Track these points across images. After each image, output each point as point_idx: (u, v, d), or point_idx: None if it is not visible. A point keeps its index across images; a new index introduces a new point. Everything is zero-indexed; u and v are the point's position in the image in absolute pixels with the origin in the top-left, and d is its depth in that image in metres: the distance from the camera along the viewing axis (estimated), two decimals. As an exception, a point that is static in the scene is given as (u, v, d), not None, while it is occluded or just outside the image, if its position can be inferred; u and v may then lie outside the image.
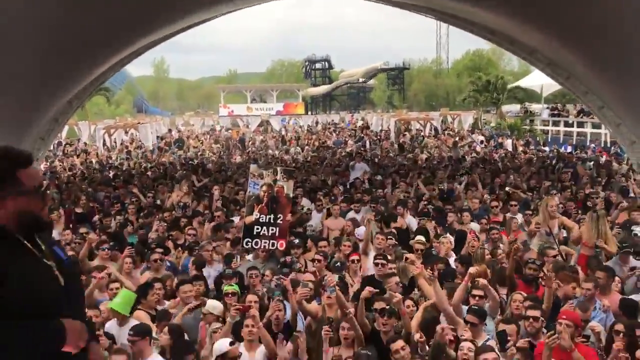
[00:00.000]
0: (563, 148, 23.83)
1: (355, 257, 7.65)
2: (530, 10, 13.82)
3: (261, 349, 5.55)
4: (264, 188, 8.23)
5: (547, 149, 24.16)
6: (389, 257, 7.39)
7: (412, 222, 10.06)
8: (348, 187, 13.58)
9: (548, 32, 14.99)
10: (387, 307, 5.66)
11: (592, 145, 24.32)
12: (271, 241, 8.03)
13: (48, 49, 11.87)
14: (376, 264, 7.11)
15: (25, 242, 2.37)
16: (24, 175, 2.32)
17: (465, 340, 5.06)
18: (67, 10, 11.14)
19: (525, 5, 13.63)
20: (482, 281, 6.00)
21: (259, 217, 8.07)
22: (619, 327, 5.29)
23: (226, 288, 6.41)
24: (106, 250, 8.07)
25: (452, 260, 7.75)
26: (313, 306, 6.17)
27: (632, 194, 11.75)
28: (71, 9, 11.12)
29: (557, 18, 13.40)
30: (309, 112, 59.10)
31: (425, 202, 11.09)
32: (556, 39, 15.11)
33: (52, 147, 23.52)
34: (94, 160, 22.52)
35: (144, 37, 16.28)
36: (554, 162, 17.43)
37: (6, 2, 10.11)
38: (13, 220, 2.30)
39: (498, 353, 4.71)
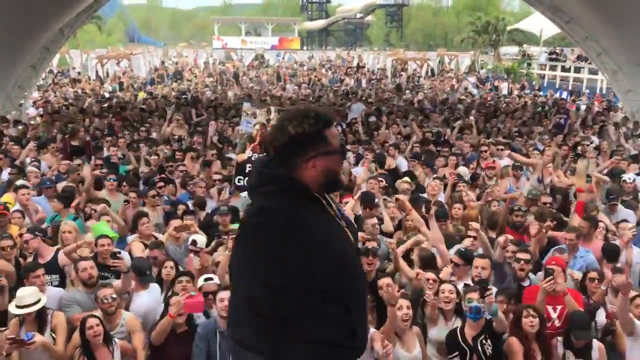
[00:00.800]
0: (558, 93, 23.77)
1: (347, 199, 7.62)
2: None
3: None
4: (257, 127, 8.16)
5: (542, 93, 24.10)
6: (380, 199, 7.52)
7: (402, 163, 10.12)
8: (345, 127, 13.54)
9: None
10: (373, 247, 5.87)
11: (587, 91, 24.26)
12: None
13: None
14: (364, 208, 7.20)
15: (324, 202, 2.37)
16: (329, 134, 2.32)
17: (447, 282, 5.21)
18: None
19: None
20: (474, 225, 6.12)
21: (252, 156, 7.99)
22: (592, 274, 5.53)
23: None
24: (112, 181, 8.15)
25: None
26: None
27: (622, 143, 11.85)
28: None
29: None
30: (305, 48, 58.08)
31: (417, 145, 11.15)
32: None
33: (43, 76, 23.16)
34: (87, 90, 22.24)
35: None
36: (547, 107, 17.45)
37: None
38: (318, 180, 2.31)
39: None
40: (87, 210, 7.35)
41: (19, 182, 7.88)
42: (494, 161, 9.77)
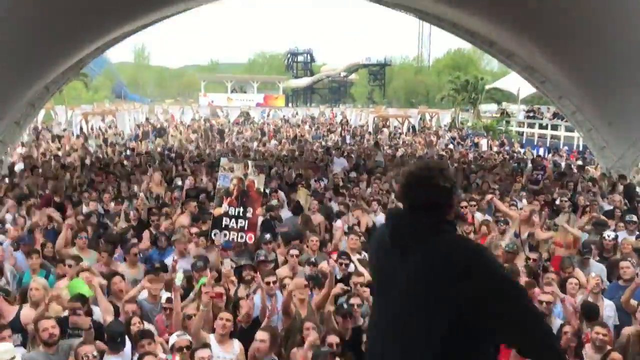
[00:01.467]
0: (535, 150, 24.29)
1: (335, 254, 7.63)
2: (508, 15, 14.10)
3: (236, 343, 5.62)
4: (235, 181, 8.27)
5: (522, 150, 24.60)
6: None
7: (381, 219, 10.21)
8: (327, 182, 13.66)
9: (525, 37, 15.31)
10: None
11: (565, 148, 24.82)
12: (240, 234, 8.08)
13: (25, 32, 11.76)
14: (340, 264, 7.21)
15: None
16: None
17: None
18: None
19: (503, 10, 13.90)
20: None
21: (228, 210, 8.12)
22: (567, 328, 5.58)
23: (201, 280, 6.49)
24: (83, 239, 8.08)
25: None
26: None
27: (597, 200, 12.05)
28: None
29: (534, 23, 13.69)
30: (290, 105, 59.08)
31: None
32: (532, 44, 15.44)
33: (27, 132, 23.21)
34: (71, 146, 22.27)
35: (126, 23, 16.19)
36: (526, 164, 17.79)
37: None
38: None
39: None
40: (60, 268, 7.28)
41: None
42: (472, 216, 9.88)
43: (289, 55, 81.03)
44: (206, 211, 9.76)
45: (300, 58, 79.86)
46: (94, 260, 7.59)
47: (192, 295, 6.43)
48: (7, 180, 13.05)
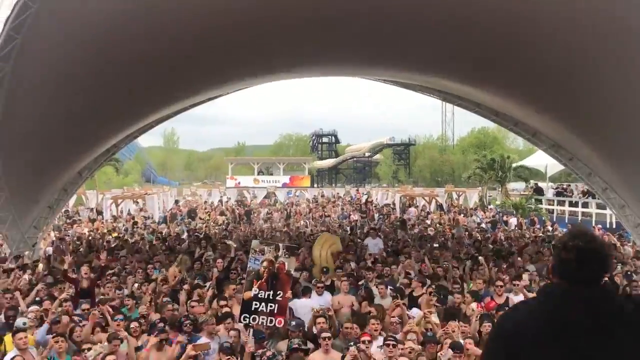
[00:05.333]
0: (564, 229, 23.77)
1: (365, 337, 7.55)
2: (532, 95, 14.25)
3: None
4: (265, 264, 8.20)
5: (550, 228, 24.11)
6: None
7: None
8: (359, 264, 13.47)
9: (550, 116, 15.39)
10: None
11: (599, 226, 24.26)
12: (269, 318, 7.92)
13: (63, 123, 12.23)
14: (387, 345, 7.08)
15: None
16: None
17: None
18: (82, 86, 11.59)
19: (527, 90, 14.06)
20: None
21: (258, 293, 8.00)
22: None
23: None
24: (118, 321, 8.13)
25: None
26: None
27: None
28: (86, 83, 11.57)
29: (559, 102, 13.78)
30: (315, 185, 59.58)
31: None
32: (559, 122, 15.48)
33: (59, 216, 23.68)
34: (101, 230, 22.60)
35: (158, 111, 16.79)
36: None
37: (22, 77, 10.54)
38: None
39: None
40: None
41: (20, 322, 7.96)
42: (506, 298, 9.63)
43: (314, 137, 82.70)
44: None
45: (325, 139, 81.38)
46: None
47: None
48: (40, 266, 13.18)
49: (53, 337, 7.49)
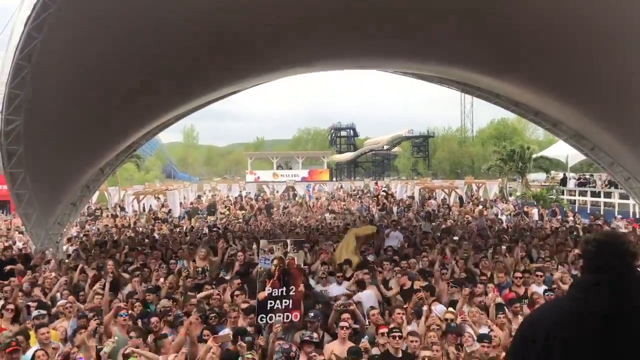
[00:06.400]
0: (587, 219, 23.49)
1: (383, 329, 7.57)
2: (552, 83, 14.08)
3: None
4: (275, 262, 8.31)
5: (572, 219, 23.84)
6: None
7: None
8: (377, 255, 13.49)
9: (571, 105, 15.19)
10: None
11: (620, 216, 23.93)
12: (285, 314, 8.05)
13: (86, 122, 12.41)
14: (393, 337, 7.08)
15: None
16: None
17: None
18: (102, 84, 11.74)
19: (547, 79, 13.89)
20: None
21: (272, 292, 8.13)
22: None
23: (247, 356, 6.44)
24: (124, 317, 8.20)
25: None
26: None
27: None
28: (106, 81, 11.72)
29: (581, 88, 13.60)
30: (334, 179, 59.60)
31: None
32: (580, 110, 15.28)
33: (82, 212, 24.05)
34: (125, 225, 22.89)
35: (177, 108, 16.94)
36: (580, 232, 17.16)
37: (44, 77, 10.71)
38: None
39: None
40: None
41: (36, 312, 8.27)
42: (526, 289, 9.63)
43: (332, 131, 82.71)
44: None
45: (343, 133, 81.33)
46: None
47: None
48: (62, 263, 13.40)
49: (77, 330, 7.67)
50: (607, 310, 2.39)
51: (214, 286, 10.17)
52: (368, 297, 9.72)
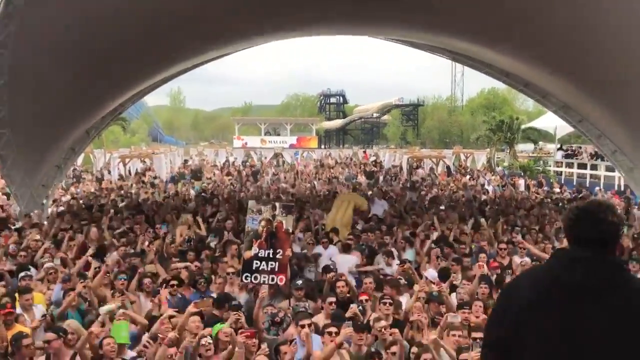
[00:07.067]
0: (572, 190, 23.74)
1: (363, 296, 7.65)
2: (543, 54, 13.99)
3: None
4: (263, 223, 8.30)
5: (557, 190, 24.08)
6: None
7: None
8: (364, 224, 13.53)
9: (561, 76, 15.15)
10: None
11: (599, 187, 24.22)
12: (270, 276, 8.03)
13: (70, 81, 12.16)
14: (384, 303, 7.20)
15: None
16: None
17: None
18: (88, 47, 11.47)
19: (538, 50, 13.80)
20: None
21: (258, 252, 8.12)
22: None
23: (217, 326, 6.47)
24: (122, 280, 8.21)
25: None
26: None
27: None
28: (90, 42, 11.44)
29: (569, 62, 13.55)
30: (323, 146, 59.51)
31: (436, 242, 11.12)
32: (569, 83, 15.25)
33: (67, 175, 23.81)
34: (107, 189, 22.72)
35: (164, 70, 16.66)
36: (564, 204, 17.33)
37: (27, 35, 10.43)
38: None
39: None
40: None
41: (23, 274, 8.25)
42: (510, 259, 9.71)
43: (321, 97, 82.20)
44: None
45: (332, 100, 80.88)
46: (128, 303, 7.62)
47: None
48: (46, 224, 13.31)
49: (65, 293, 7.63)
50: (578, 285, 2.37)
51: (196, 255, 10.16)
52: (348, 261, 9.77)
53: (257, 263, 8.08)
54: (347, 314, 6.84)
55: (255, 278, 8.01)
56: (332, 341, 5.98)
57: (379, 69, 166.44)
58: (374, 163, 35.95)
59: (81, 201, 18.09)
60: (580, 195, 21.17)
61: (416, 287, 7.92)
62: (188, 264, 9.55)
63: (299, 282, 8.06)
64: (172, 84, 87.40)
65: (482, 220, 13.32)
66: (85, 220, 13.20)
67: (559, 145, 34.88)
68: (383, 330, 6.44)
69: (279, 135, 56.34)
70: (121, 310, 6.71)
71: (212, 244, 11.07)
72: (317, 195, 19.65)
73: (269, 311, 6.94)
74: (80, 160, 28.85)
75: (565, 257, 2.52)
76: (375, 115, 72.81)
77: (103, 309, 6.83)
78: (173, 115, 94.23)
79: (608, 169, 25.96)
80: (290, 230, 8.71)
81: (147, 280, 8.28)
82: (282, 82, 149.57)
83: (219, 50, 17.83)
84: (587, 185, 26.51)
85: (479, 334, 5.97)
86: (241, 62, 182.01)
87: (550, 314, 2.38)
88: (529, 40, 13.44)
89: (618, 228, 2.46)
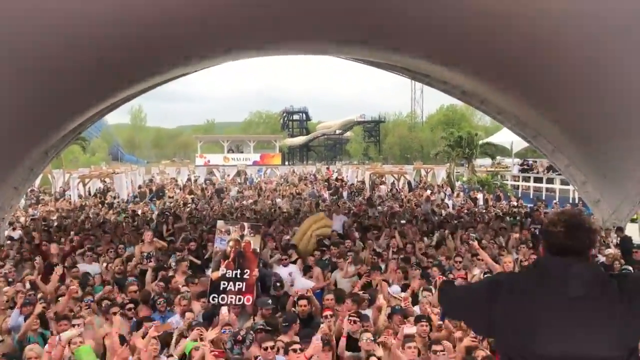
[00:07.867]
0: (531, 204, 24.42)
1: (327, 312, 7.69)
2: (496, 73, 14.48)
3: None
4: (231, 243, 8.35)
5: (515, 203, 24.74)
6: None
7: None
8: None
9: (516, 94, 15.67)
10: None
11: (556, 202, 24.96)
12: (238, 296, 8.09)
13: (30, 99, 12.00)
14: (352, 322, 7.20)
15: None
16: None
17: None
18: (48, 65, 11.36)
19: (491, 70, 14.28)
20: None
21: (225, 273, 8.17)
22: None
23: (189, 344, 6.46)
24: (88, 302, 8.19)
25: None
26: None
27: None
28: (52, 61, 11.34)
29: (524, 82, 14.04)
30: (286, 163, 59.55)
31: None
32: (523, 100, 15.78)
33: (25, 195, 23.30)
34: (67, 210, 22.32)
35: (126, 89, 16.55)
36: (519, 217, 17.87)
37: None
38: None
39: None
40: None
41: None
42: (465, 272, 9.94)
43: (284, 115, 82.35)
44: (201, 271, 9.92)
45: (295, 117, 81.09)
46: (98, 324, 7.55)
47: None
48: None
49: (25, 318, 7.50)
50: (568, 292, 2.44)
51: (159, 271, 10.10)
52: (308, 286, 9.71)
53: (224, 284, 8.12)
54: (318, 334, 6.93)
55: (223, 299, 8.05)
56: (297, 358, 6.03)
57: (341, 86, 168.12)
58: (336, 179, 36.22)
59: (40, 222, 17.74)
60: (537, 209, 21.80)
61: (381, 301, 8.05)
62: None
63: (269, 300, 8.14)
64: (133, 101, 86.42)
65: (447, 232, 13.63)
66: (45, 242, 12.97)
67: (517, 160, 35.88)
68: (368, 341, 6.50)
69: (242, 152, 56.15)
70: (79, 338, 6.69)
71: (173, 264, 10.99)
72: (281, 213, 19.72)
73: (227, 329, 6.95)
74: (38, 181, 28.22)
75: (560, 266, 2.53)
76: (337, 132, 73.36)
77: (64, 336, 6.75)
78: (134, 133, 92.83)
79: (563, 182, 26.79)
80: (258, 250, 8.79)
81: (104, 303, 8.22)
82: (244, 99, 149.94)
83: (179, 69, 17.82)
84: (544, 198, 27.31)
85: (439, 347, 6.16)
86: (203, 79, 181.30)
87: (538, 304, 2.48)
88: (484, 61, 13.88)
89: (596, 235, 2.66)
